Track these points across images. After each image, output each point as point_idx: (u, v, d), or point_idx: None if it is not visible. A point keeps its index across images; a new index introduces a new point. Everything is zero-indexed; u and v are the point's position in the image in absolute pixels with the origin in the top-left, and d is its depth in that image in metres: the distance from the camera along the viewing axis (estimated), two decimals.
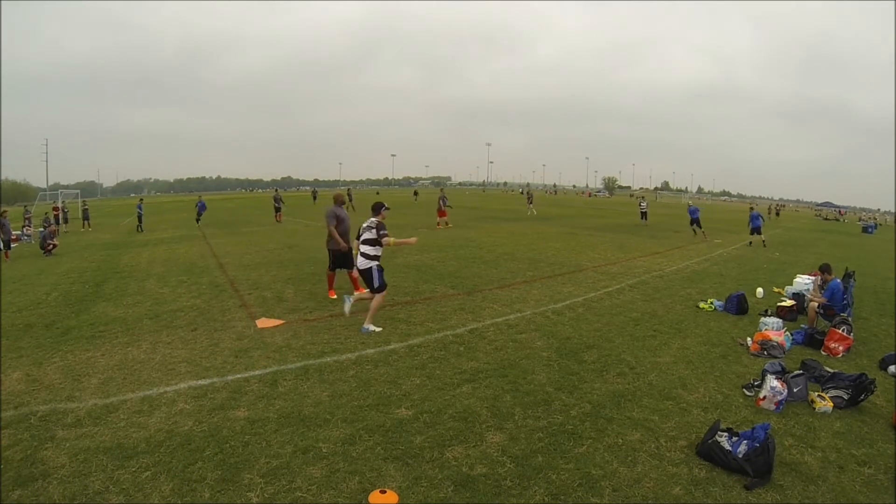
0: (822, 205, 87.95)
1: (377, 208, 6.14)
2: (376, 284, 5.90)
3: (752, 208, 18.80)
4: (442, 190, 24.50)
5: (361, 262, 5.95)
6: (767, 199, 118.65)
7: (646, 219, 25.15)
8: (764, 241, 17.11)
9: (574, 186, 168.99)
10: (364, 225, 6.09)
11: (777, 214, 43.62)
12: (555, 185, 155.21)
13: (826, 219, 52.07)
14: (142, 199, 24.00)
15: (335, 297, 7.57)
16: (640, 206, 26.33)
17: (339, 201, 7.79)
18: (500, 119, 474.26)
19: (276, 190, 32.49)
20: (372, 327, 6.00)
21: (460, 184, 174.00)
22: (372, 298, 6.01)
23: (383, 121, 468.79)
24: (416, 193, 50.11)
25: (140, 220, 20.98)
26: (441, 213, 20.41)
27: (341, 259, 7.48)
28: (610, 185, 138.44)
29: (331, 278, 7.77)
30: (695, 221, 19.88)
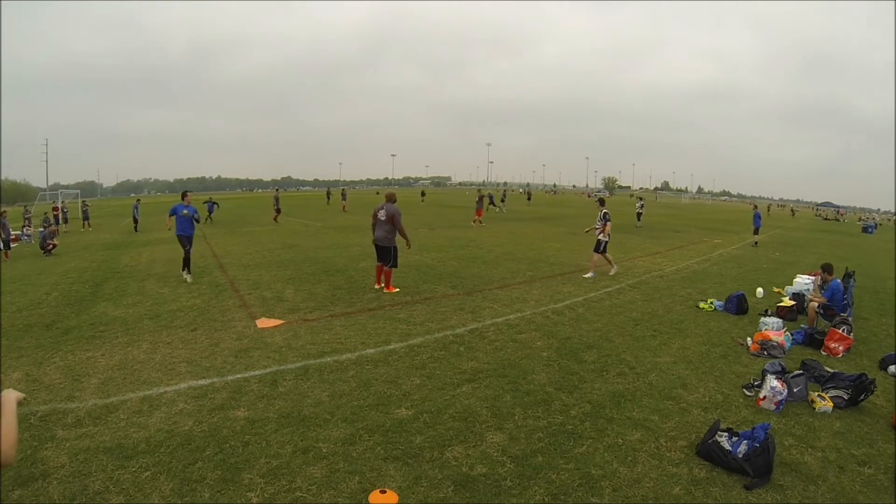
0: (822, 205, 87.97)
1: (603, 202, 10.34)
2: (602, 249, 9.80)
3: (755, 207, 18.91)
4: (480, 191, 25.27)
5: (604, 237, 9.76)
6: (767, 198, 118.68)
7: (640, 220, 25.00)
8: (756, 242, 17.29)
9: (574, 186, 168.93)
10: (607, 212, 9.81)
11: (792, 214, 52.50)
12: (555, 185, 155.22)
13: (826, 219, 52.17)
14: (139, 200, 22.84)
15: (380, 286, 8.14)
16: (637, 206, 26.17)
17: (394, 199, 8.05)
18: (501, 119, 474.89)
19: (277, 190, 29.82)
20: (591, 274, 9.65)
21: (460, 184, 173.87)
22: (596, 258, 9.87)
23: (384, 121, 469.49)
24: (423, 194, 48.63)
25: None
26: (479, 213, 21.94)
27: (383, 253, 7.93)
28: (610, 185, 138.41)
29: (379, 270, 8.19)
30: (490, 201, 30.56)
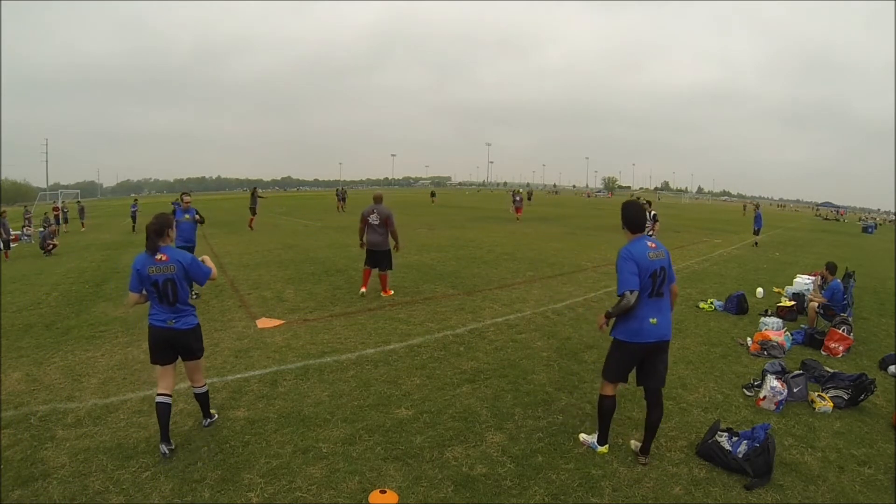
0: (822, 205, 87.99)
1: (651, 203, 11.63)
2: None
3: (756, 207, 18.91)
4: (519, 191, 27.00)
5: None
6: (767, 198, 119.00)
7: None
8: (756, 242, 17.33)
9: (574, 186, 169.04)
10: (656, 213, 11.35)
11: (744, 209, 50.06)
12: (555, 185, 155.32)
13: (826, 219, 52.15)
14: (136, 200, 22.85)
15: (365, 289, 7.79)
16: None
17: (381, 199, 7.78)
18: (502, 119, 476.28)
19: (256, 190, 21.90)
20: None
21: (460, 184, 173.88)
22: None
23: (385, 121, 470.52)
24: (433, 195, 45.09)
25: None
26: (518, 210, 23.88)
27: (378, 258, 7.67)
28: (610, 185, 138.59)
29: (366, 274, 7.88)
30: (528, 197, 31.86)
